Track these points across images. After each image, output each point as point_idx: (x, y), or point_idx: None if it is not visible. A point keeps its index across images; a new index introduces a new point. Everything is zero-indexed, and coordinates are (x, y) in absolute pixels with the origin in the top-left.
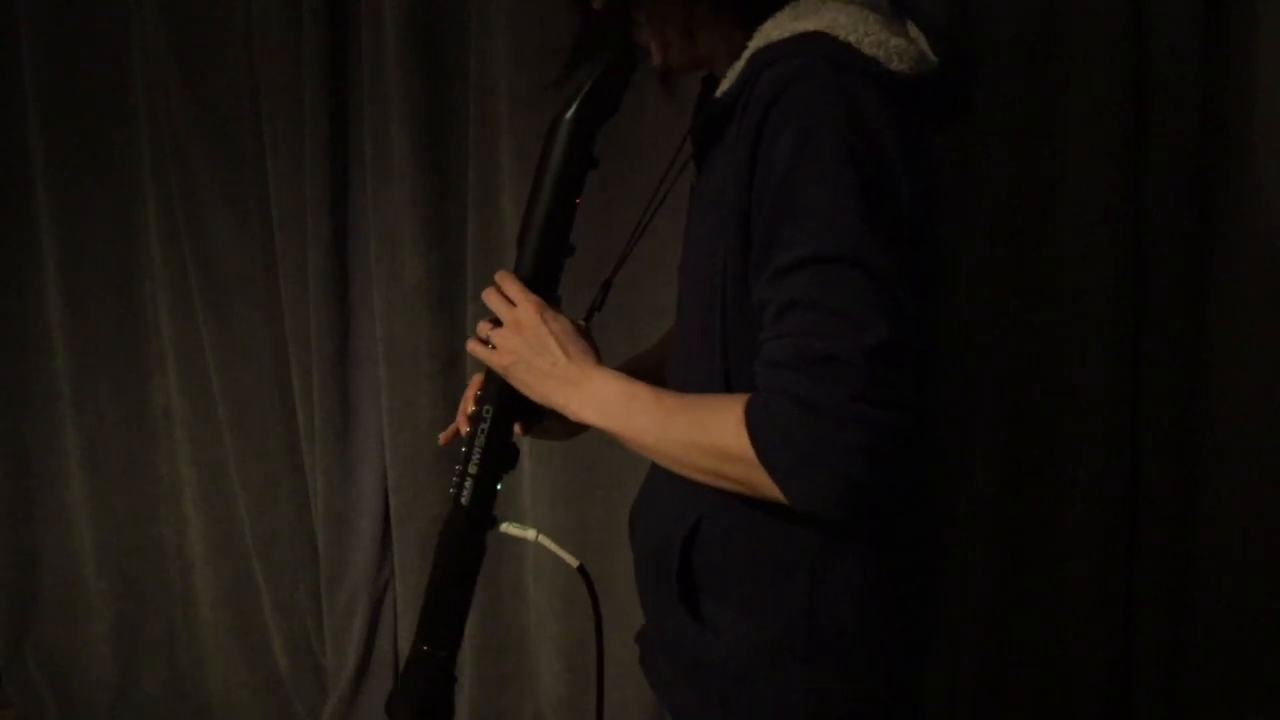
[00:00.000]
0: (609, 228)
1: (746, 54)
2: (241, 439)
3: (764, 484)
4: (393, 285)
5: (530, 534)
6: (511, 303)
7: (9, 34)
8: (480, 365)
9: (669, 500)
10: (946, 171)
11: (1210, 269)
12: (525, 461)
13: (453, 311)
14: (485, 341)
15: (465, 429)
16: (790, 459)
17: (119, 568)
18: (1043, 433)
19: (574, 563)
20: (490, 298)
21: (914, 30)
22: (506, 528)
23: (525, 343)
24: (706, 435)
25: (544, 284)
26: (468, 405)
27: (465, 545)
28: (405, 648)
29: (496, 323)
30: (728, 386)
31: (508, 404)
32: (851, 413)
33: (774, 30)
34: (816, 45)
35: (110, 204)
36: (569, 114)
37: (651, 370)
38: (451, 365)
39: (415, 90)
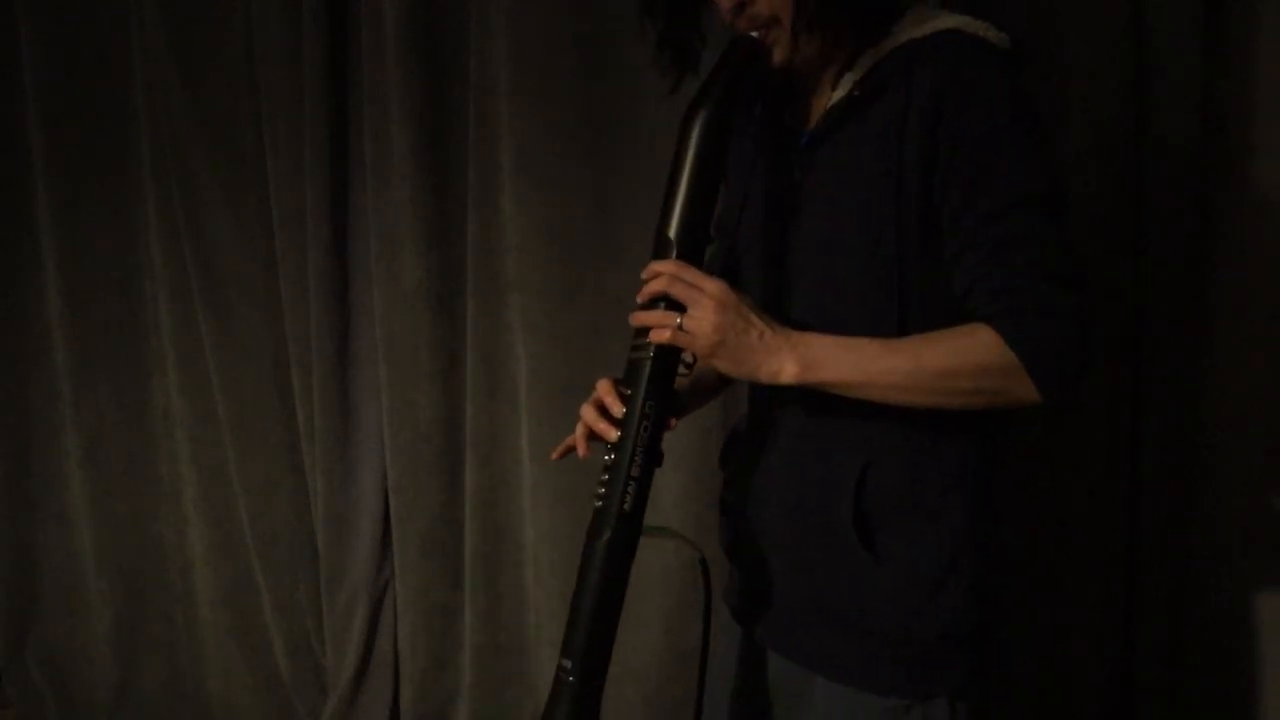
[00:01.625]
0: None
1: (888, 48)
2: (241, 439)
3: (1016, 388)
4: (393, 285)
5: (665, 529)
6: (697, 287)
7: (9, 34)
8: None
9: (824, 461)
10: None
11: (1210, 269)
12: (526, 462)
13: (453, 311)
14: (677, 330)
15: (610, 435)
16: (1050, 358)
17: (119, 568)
18: (1043, 433)
19: (699, 553)
20: (673, 286)
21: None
22: (651, 530)
23: (729, 321)
24: (968, 358)
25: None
26: (613, 407)
27: (623, 558)
28: (405, 648)
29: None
30: (903, 328)
31: (667, 396)
32: (1085, 314)
33: (913, 29)
34: (964, 38)
35: (110, 204)
36: (704, 111)
37: None
38: (451, 365)
39: (415, 90)
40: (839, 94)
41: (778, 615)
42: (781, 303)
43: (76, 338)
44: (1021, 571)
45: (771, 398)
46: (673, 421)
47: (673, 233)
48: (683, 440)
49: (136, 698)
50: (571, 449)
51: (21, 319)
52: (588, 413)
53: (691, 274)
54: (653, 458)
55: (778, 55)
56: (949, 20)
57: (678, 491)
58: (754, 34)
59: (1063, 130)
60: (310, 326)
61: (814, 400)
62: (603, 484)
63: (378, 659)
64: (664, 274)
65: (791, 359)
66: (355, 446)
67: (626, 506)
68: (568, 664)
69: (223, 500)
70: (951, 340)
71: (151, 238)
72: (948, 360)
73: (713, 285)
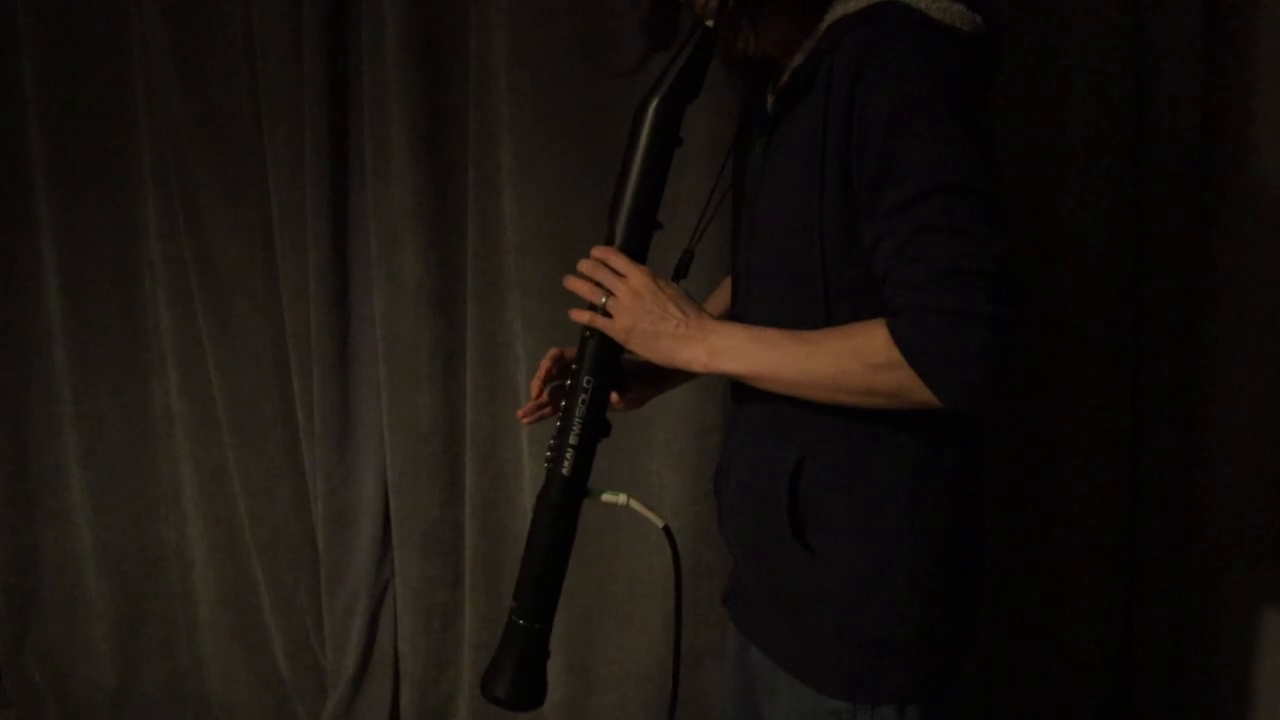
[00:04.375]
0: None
1: (823, 26)
2: (241, 439)
3: (915, 389)
4: (393, 285)
5: (622, 498)
6: (619, 274)
7: (9, 34)
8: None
9: (765, 448)
10: None
11: (1210, 269)
12: (526, 462)
13: (453, 311)
14: (596, 314)
15: (540, 405)
16: (941, 361)
17: (119, 568)
18: (1043, 433)
19: (660, 523)
20: (596, 271)
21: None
22: (605, 497)
23: (645, 309)
24: (858, 356)
25: (635, 257)
26: (540, 370)
27: (565, 516)
28: (405, 648)
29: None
30: (829, 319)
31: (606, 374)
32: (987, 314)
33: (849, 3)
34: (892, 11)
35: (110, 203)
36: (657, 99)
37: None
38: (451, 364)
39: (415, 90)
40: (786, 76)
41: (750, 605)
42: (748, 282)
43: (76, 338)
44: (1022, 572)
45: (738, 384)
46: (615, 397)
47: (617, 219)
48: (682, 440)
49: (136, 698)
50: (538, 412)
51: (21, 319)
52: (535, 381)
53: (617, 260)
54: (595, 428)
55: (735, 43)
56: None
57: (677, 491)
58: (709, 23)
59: (1063, 130)
60: (310, 326)
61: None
62: (550, 449)
63: (378, 659)
64: (593, 259)
65: (703, 349)
66: (355, 446)
67: (565, 470)
68: (518, 609)
69: (223, 500)
70: (849, 337)
71: (151, 237)
72: (841, 357)
73: (635, 275)
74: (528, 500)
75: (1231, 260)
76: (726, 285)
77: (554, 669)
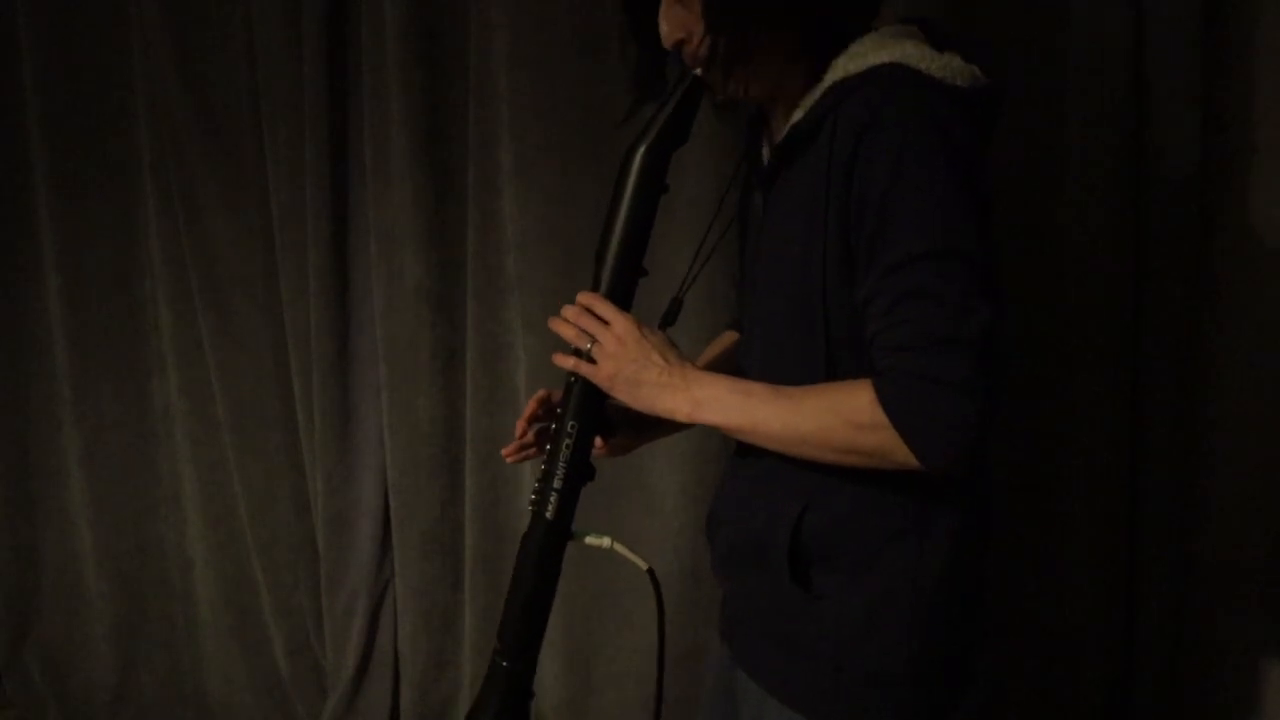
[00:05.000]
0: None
1: (824, 86)
2: (241, 439)
3: (896, 450)
4: (393, 285)
5: (605, 542)
6: (604, 321)
7: (9, 34)
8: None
9: (767, 499)
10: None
11: (1210, 270)
12: (526, 463)
13: (453, 311)
14: (580, 360)
15: (525, 445)
16: (923, 425)
17: (119, 568)
18: (1043, 434)
19: (644, 566)
20: (581, 317)
21: (955, 57)
22: (589, 540)
23: (629, 356)
24: (841, 414)
25: (620, 303)
26: (524, 411)
27: (549, 559)
28: (405, 648)
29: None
30: (830, 371)
31: (591, 419)
32: (970, 384)
33: (849, 64)
34: (895, 73)
35: (110, 203)
36: (644, 146)
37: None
38: (451, 365)
39: (415, 90)
40: (783, 133)
41: (742, 633)
42: (751, 331)
43: (76, 338)
44: (1022, 574)
45: None
46: (599, 441)
47: (603, 265)
48: (683, 440)
49: (136, 698)
50: (521, 452)
51: (21, 319)
52: (519, 422)
53: (602, 307)
54: (579, 473)
55: (718, 92)
56: (890, 53)
57: (678, 491)
58: (697, 71)
59: (1063, 131)
60: (310, 326)
61: None
62: (535, 492)
63: (378, 659)
64: (578, 305)
65: (686, 400)
66: (355, 446)
67: (550, 514)
68: (501, 650)
69: (223, 500)
70: (834, 395)
71: (151, 238)
72: (824, 415)
73: (619, 323)
74: (528, 500)
75: (1231, 261)
76: (723, 338)
77: (554, 669)
